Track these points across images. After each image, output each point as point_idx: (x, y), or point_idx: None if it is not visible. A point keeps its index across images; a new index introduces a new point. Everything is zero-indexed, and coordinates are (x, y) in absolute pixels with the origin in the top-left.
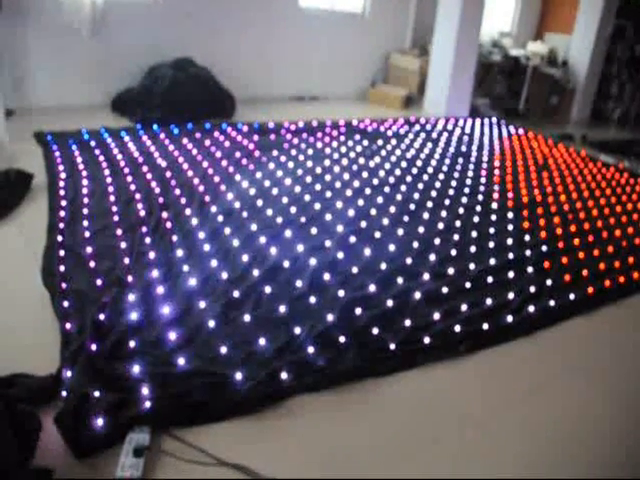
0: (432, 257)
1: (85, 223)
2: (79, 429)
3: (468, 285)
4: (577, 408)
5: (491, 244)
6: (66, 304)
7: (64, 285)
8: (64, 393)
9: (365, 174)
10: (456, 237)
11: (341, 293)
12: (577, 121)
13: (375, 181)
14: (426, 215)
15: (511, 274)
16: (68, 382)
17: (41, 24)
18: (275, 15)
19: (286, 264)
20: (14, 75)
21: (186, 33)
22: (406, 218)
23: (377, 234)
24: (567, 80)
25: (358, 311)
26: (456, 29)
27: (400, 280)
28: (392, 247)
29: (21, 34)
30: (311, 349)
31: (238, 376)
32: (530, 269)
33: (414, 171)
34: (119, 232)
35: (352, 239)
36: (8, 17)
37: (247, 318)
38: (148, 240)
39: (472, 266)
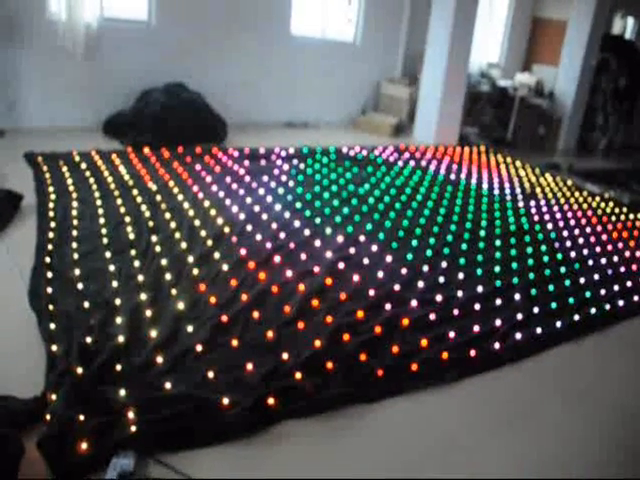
0: (420, 284)
1: (74, 245)
2: (63, 454)
3: (456, 312)
4: (563, 435)
5: (479, 271)
6: (52, 326)
7: (51, 307)
8: (48, 417)
9: (354, 201)
10: (444, 264)
11: (329, 319)
12: (563, 151)
13: (364, 208)
14: (414, 242)
15: (498, 301)
16: (52, 405)
17: (34, 46)
18: (267, 42)
19: (275, 289)
20: (6, 96)
21: (179, 58)
22: (395, 245)
23: (366, 260)
24: (554, 111)
25: (346, 337)
26: (445, 59)
27: (388, 306)
28: (380, 273)
29: (14, 55)
30: (299, 375)
31: (225, 401)
32: (517, 296)
33: (403, 198)
34: (108, 255)
35: (341, 265)
36: (1, 38)
37: (235, 343)
38: (137, 263)
39: (460, 293)
